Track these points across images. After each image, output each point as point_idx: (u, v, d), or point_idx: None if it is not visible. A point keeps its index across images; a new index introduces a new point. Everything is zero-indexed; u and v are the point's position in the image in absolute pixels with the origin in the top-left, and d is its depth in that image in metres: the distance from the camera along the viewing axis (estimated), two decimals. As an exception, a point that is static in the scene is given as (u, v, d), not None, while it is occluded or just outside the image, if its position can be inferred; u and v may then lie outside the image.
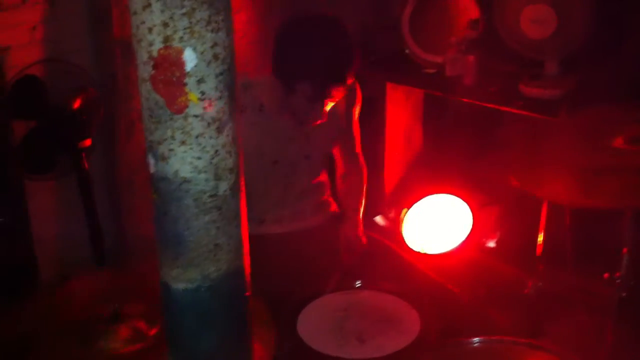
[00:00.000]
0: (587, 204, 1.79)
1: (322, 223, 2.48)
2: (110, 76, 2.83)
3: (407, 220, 3.18)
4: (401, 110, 3.37)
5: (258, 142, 2.22)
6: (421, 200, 3.18)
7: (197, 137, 1.03)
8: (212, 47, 1.02)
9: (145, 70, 1.01)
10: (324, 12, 2.24)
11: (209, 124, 1.03)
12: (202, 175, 1.03)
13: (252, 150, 2.10)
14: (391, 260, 2.39)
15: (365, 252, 2.41)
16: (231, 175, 1.06)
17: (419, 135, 3.49)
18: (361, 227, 2.48)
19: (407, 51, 3.11)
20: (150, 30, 1.00)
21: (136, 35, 1.01)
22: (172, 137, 1.02)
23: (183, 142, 1.02)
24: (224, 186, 1.05)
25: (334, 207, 2.54)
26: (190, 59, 1.00)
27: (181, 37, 1.00)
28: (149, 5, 0.99)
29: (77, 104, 2.66)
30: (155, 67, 1.00)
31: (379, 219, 3.43)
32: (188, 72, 1.00)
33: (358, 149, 2.55)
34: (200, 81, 1.01)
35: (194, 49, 1.00)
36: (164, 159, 1.03)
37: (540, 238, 2.53)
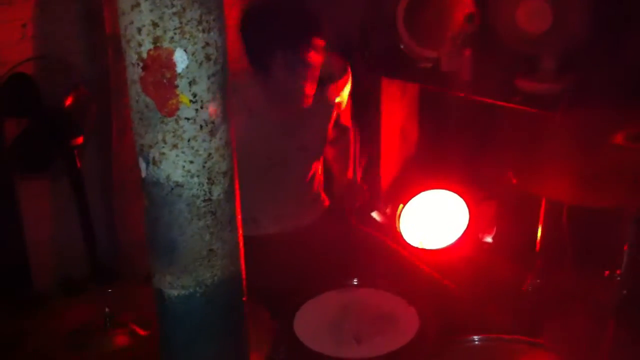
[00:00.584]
0: (587, 203, 1.77)
1: (317, 220, 2.47)
2: (102, 74, 2.80)
3: (403, 216, 3.16)
4: (397, 105, 3.35)
5: (250, 144, 2.20)
6: (417, 196, 3.16)
7: (189, 140, 1.00)
8: (203, 47, 0.99)
9: (134, 72, 0.98)
10: None
11: (201, 127, 1.00)
12: (195, 180, 1.01)
13: (245, 152, 2.08)
14: (388, 257, 2.37)
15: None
16: (225, 179, 1.03)
17: (414, 131, 3.47)
18: (351, 179, 2.51)
19: (402, 46, 3.08)
20: (139, 30, 0.97)
21: (125, 36, 0.98)
22: (164, 141, 0.99)
23: (175, 146, 0.99)
24: (217, 190, 1.03)
25: (327, 202, 2.53)
26: (181, 60, 0.97)
27: (171, 38, 0.97)
28: (138, 4, 0.96)
29: (68, 102, 2.64)
30: (144, 68, 0.97)
31: (375, 215, 3.41)
32: (179, 74, 0.97)
33: (348, 122, 2.54)
34: (192, 83, 0.98)
35: (185, 50, 0.97)
36: (155, 163, 1.00)
37: (539, 234, 2.52)
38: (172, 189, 1.00)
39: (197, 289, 1.04)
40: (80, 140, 2.67)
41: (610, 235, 1.94)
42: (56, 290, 2.79)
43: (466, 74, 2.85)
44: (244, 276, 1.09)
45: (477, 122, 3.04)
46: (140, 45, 0.97)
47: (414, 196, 3.15)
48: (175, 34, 0.96)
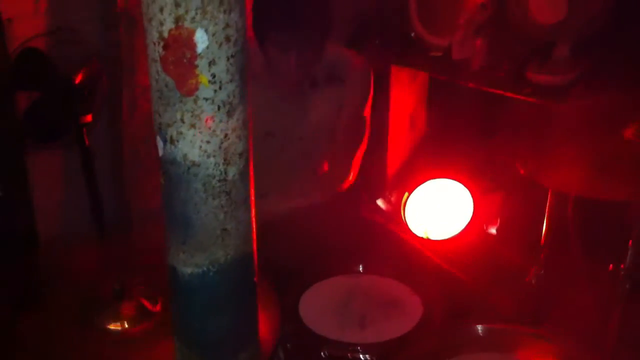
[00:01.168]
0: (594, 194, 1.78)
1: (326, 200, 2.47)
2: (114, 49, 2.81)
3: (409, 205, 3.17)
4: (406, 93, 3.35)
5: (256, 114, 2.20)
6: (423, 185, 3.16)
7: (207, 120, 1.01)
8: (224, 28, 0.99)
9: (155, 51, 0.99)
10: None
11: (219, 107, 1.01)
12: (212, 160, 1.02)
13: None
14: (394, 244, 2.38)
15: None
16: (241, 160, 1.04)
17: (422, 119, 3.47)
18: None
19: (413, 34, 3.07)
20: (161, 9, 0.97)
21: (147, 14, 0.99)
22: (182, 120, 1.00)
23: (192, 125, 1.00)
24: (233, 171, 1.04)
25: (336, 187, 2.54)
26: (201, 40, 0.98)
27: (193, 18, 0.97)
28: (161, -17, 0.96)
29: (80, 77, 2.65)
30: (165, 47, 0.98)
31: (380, 203, 3.43)
32: (199, 54, 0.98)
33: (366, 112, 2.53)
34: (211, 63, 0.99)
35: (206, 30, 0.98)
36: (172, 142, 1.01)
37: (544, 227, 2.52)
38: (189, 168, 1.01)
39: (210, 267, 1.05)
40: (90, 115, 2.69)
41: (616, 229, 1.95)
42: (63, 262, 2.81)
43: (477, 63, 2.84)
44: (256, 257, 1.11)
45: (486, 112, 3.04)
46: (161, 24, 0.98)
47: (419, 185, 3.16)
48: (196, 14, 0.97)
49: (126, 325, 1.55)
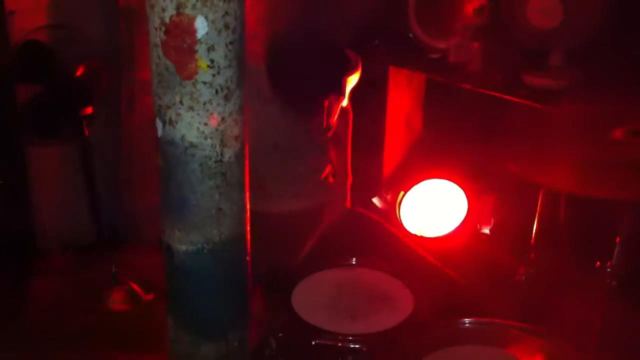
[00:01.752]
0: (584, 193, 1.81)
1: (324, 200, 2.51)
2: (114, 45, 2.84)
3: (404, 203, 3.20)
4: (403, 93, 3.38)
5: (257, 126, 2.24)
6: (418, 185, 3.20)
7: (204, 103, 1.04)
8: (223, 16, 1.03)
9: (156, 36, 1.03)
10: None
11: (217, 92, 1.04)
12: (208, 141, 1.05)
13: (252, 134, 2.14)
14: (387, 240, 2.41)
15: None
16: (236, 142, 1.08)
17: (419, 120, 3.50)
18: None
19: (411, 35, 3.11)
20: (163, -4, 1.01)
21: (149, 1, 1.03)
22: (181, 102, 1.04)
23: (191, 108, 1.04)
24: (229, 153, 1.07)
25: (333, 185, 2.57)
26: (201, 26, 1.02)
27: (194, 5, 1.01)
28: (164, -29, 1.00)
29: (80, 72, 2.68)
30: (167, 33, 1.02)
31: (376, 201, 3.46)
32: (199, 40, 1.02)
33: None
34: (210, 49, 1.03)
35: (206, 17, 1.02)
36: (171, 123, 1.05)
37: (535, 227, 2.56)
38: (186, 148, 1.05)
39: (205, 245, 1.09)
40: (89, 110, 2.72)
41: (605, 227, 1.99)
42: (60, 254, 2.84)
43: (474, 66, 2.88)
44: (248, 237, 1.14)
45: (482, 114, 3.07)
46: (163, 10, 1.01)
47: (415, 184, 3.20)
48: (197, 1, 1.01)
49: (119, 311, 1.58)
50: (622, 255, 1.88)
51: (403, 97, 3.38)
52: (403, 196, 3.20)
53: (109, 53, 2.84)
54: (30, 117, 2.67)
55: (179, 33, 1.01)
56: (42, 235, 2.80)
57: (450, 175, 3.18)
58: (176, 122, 1.05)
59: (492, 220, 3.21)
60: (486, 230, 3.23)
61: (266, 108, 2.28)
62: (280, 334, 1.92)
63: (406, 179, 3.25)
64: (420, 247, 2.43)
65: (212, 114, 1.03)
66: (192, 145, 1.05)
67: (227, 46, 1.04)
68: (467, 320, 1.87)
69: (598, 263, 1.95)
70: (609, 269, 1.90)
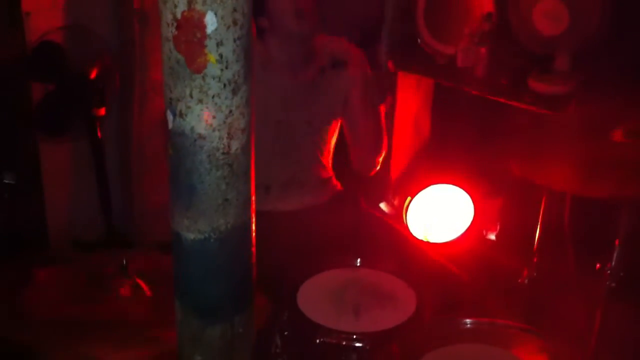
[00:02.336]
0: (584, 193, 1.85)
1: (328, 200, 2.55)
2: (127, 47, 2.88)
3: (411, 209, 3.23)
4: (411, 97, 3.42)
5: (264, 100, 2.28)
6: (425, 190, 3.23)
7: (213, 96, 1.09)
8: (232, 12, 1.07)
9: (168, 31, 1.07)
10: None
11: (225, 85, 1.09)
12: (216, 133, 1.10)
13: (258, 109, 2.18)
14: (392, 240, 2.44)
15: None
16: (243, 135, 1.12)
17: (427, 124, 3.53)
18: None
19: (419, 41, 3.15)
20: (175, -8, 1.06)
21: (162, -3, 1.07)
22: (190, 95, 1.08)
23: (200, 101, 1.08)
24: (235, 145, 1.11)
25: (339, 186, 2.61)
26: (211, 22, 1.06)
27: (204, 1, 1.05)
28: (176, -31, 1.05)
29: (94, 73, 2.72)
30: (178, 27, 1.06)
31: (383, 206, 3.49)
32: (209, 35, 1.06)
33: (369, 106, 2.57)
34: (219, 44, 1.07)
35: (216, 13, 1.06)
36: (181, 115, 1.09)
37: (537, 232, 2.59)
38: (195, 140, 1.09)
39: (212, 234, 1.13)
40: (102, 110, 2.77)
41: (606, 230, 2.01)
42: (71, 251, 2.89)
43: (481, 71, 2.92)
44: (253, 227, 1.18)
45: (489, 119, 3.10)
46: (175, 6, 1.06)
47: (422, 189, 3.23)
48: (207, -3, 1.05)
49: (123, 306, 1.63)
50: (621, 256, 1.91)
51: (411, 100, 3.42)
52: (410, 201, 3.23)
53: (122, 53, 2.88)
54: (43, 116, 2.72)
55: (190, 27, 1.05)
56: (54, 231, 2.85)
57: (457, 181, 3.21)
58: (186, 114, 1.09)
59: (498, 225, 3.23)
60: (492, 236, 3.26)
61: (274, 80, 2.36)
62: (285, 332, 1.95)
63: (413, 184, 3.28)
64: (425, 247, 2.46)
65: (206, 112, 1.08)
66: (200, 136, 1.10)
67: (235, 41, 1.08)
68: (468, 320, 1.90)
69: (598, 265, 1.98)
70: (608, 271, 1.92)
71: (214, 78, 1.08)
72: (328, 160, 2.57)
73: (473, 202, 3.18)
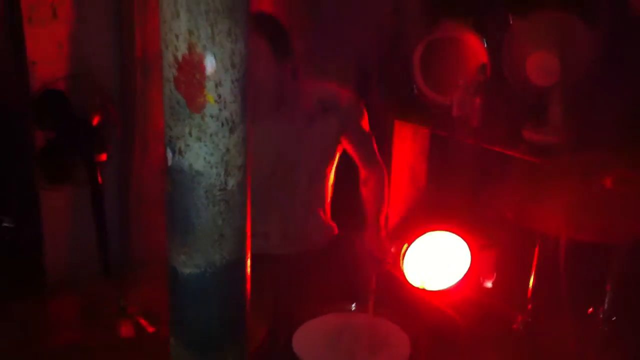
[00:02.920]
0: (577, 237, 1.88)
1: (326, 245, 2.57)
2: (129, 96, 2.94)
3: (407, 256, 3.24)
4: (407, 147, 3.47)
5: (255, 155, 2.31)
6: (422, 237, 3.25)
7: (211, 135, 1.13)
8: (230, 55, 1.12)
9: (169, 72, 1.12)
10: None
11: (222, 124, 1.13)
12: (214, 170, 1.13)
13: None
14: (387, 284, 2.46)
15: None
16: (239, 172, 1.16)
17: (423, 173, 3.57)
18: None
19: (415, 90, 3.22)
20: (177, 37, 1.11)
21: (164, 41, 1.12)
22: (190, 134, 1.12)
23: (199, 139, 1.12)
24: (232, 181, 1.15)
25: (336, 230, 2.63)
26: (210, 64, 1.11)
27: (204, 45, 1.10)
28: (178, 15, 1.10)
29: (96, 120, 2.78)
30: (178, 69, 1.11)
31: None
32: (208, 76, 1.11)
33: (377, 157, 2.64)
34: (217, 85, 1.12)
35: (215, 56, 1.11)
36: (180, 153, 1.13)
37: (531, 279, 2.61)
38: (194, 176, 1.13)
39: (208, 268, 1.16)
40: (104, 157, 2.81)
41: (598, 273, 2.04)
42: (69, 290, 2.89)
43: (475, 121, 2.98)
44: (248, 262, 1.21)
45: (484, 168, 3.15)
46: (176, 49, 1.11)
47: (419, 237, 3.25)
48: (207, 42, 1.10)
49: (123, 342, 1.65)
50: (612, 300, 1.93)
51: (407, 150, 3.47)
52: (407, 249, 3.25)
53: (124, 102, 2.94)
54: (44, 163, 2.76)
55: (190, 69, 1.10)
56: (53, 272, 2.86)
57: (453, 228, 3.23)
58: (185, 152, 1.13)
59: (494, 274, 3.25)
60: (489, 284, 3.27)
61: (262, 131, 2.35)
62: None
63: (410, 231, 3.30)
64: (421, 293, 2.48)
65: (204, 150, 1.11)
66: (199, 173, 1.13)
67: (232, 82, 1.13)
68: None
69: (591, 309, 2.00)
70: (601, 315, 1.94)
71: (212, 117, 1.12)
72: (325, 205, 2.61)
73: (470, 250, 3.20)
